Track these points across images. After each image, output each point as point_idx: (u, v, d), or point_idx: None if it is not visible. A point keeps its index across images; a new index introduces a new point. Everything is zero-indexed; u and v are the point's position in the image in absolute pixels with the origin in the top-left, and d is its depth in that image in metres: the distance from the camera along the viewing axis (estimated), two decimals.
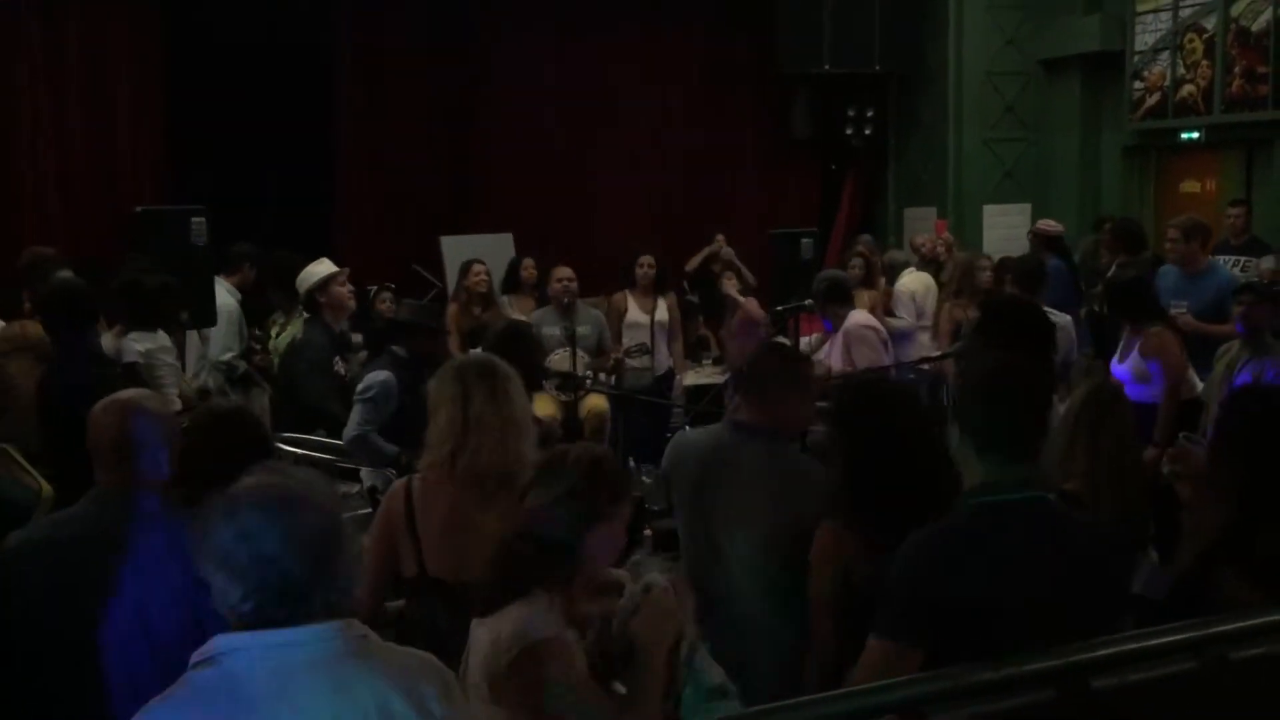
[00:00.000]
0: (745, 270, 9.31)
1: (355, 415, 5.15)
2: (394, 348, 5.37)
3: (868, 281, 8.34)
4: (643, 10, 10.62)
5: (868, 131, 11.39)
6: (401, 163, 10.21)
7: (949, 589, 2.33)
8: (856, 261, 8.43)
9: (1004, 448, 2.44)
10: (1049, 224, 8.98)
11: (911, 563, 2.40)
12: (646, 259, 8.08)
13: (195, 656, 1.81)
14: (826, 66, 10.73)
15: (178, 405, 5.51)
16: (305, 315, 6.62)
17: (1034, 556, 2.37)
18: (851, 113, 11.29)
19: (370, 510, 5.09)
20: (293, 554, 1.78)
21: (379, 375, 5.17)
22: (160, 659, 2.49)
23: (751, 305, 7.48)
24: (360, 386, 5.24)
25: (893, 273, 8.81)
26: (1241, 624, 2.22)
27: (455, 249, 9.35)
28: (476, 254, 8.27)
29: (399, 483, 3.28)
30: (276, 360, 6.96)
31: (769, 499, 3.20)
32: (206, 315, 6.82)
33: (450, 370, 3.27)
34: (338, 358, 6.24)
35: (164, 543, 2.65)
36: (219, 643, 1.80)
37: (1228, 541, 2.65)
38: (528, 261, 8.14)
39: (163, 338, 5.59)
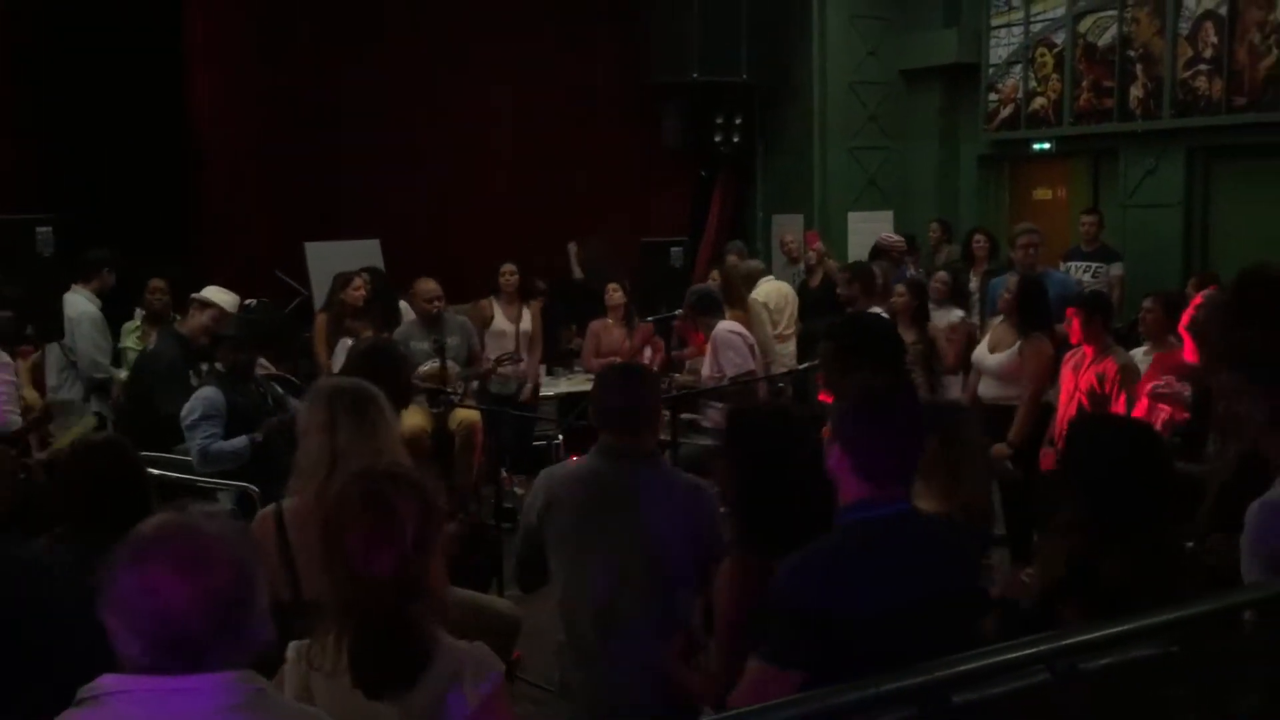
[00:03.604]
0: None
1: (193, 439, 5.30)
2: (216, 364, 5.57)
3: (729, 296, 8.37)
4: (513, 17, 10.53)
5: (736, 140, 11.54)
6: (263, 167, 9.93)
7: (825, 608, 2.36)
8: (714, 274, 8.45)
9: (882, 466, 2.49)
10: (890, 237, 9.24)
11: (788, 584, 2.41)
12: (509, 267, 8.06)
13: (81, 692, 1.73)
14: (695, 76, 10.82)
15: (18, 423, 5.33)
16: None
17: (907, 570, 2.42)
18: (720, 121, 11.42)
19: None
20: (199, 613, 1.70)
21: (201, 393, 5.36)
22: None
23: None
24: (184, 413, 5.36)
25: (749, 283, 8.91)
26: (1090, 635, 2.30)
27: (320, 255, 9.16)
28: (342, 260, 8.12)
29: (266, 511, 3.23)
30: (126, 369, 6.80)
31: (660, 524, 3.19)
32: (53, 329, 6.55)
33: (321, 396, 3.22)
34: (191, 370, 6.08)
35: None
36: (105, 682, 1.72)
37: (1073, 573, 2.73)
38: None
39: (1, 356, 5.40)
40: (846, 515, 2.50)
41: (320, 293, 8.38)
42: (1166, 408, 4.92)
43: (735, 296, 8.16)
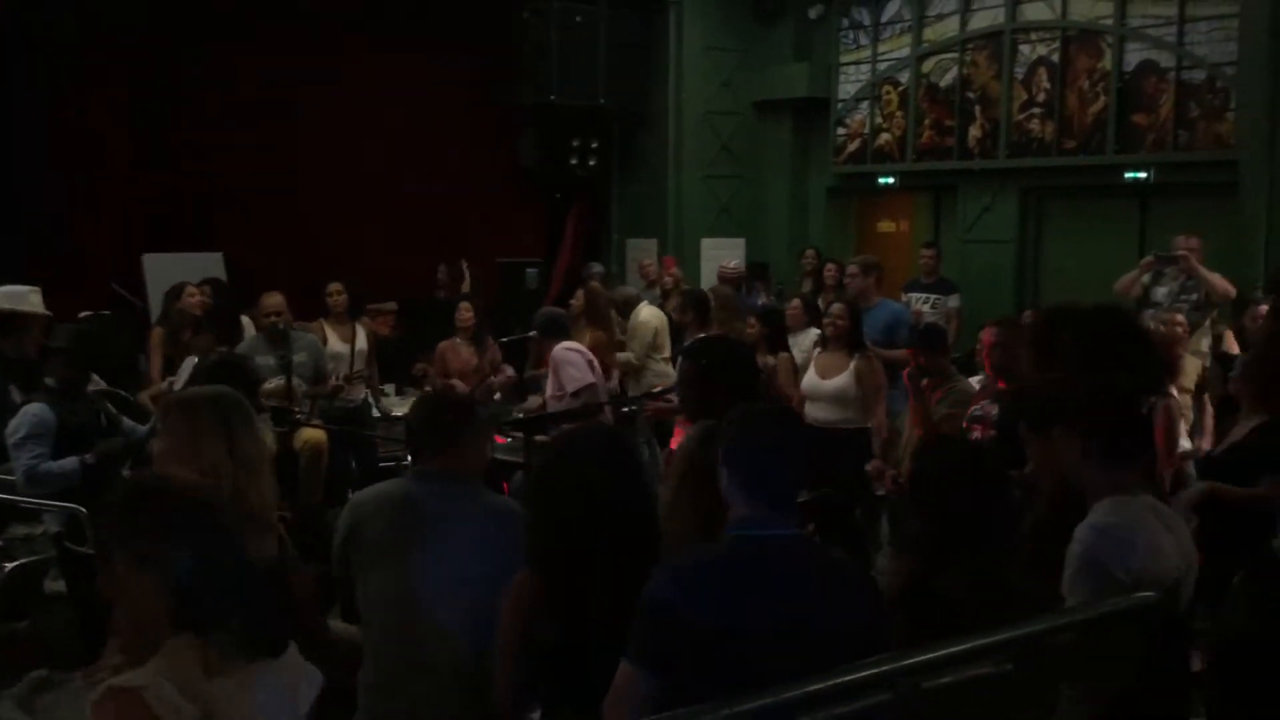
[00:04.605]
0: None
1: (19, 459, 4.99)
2: (47, 379, 5.24)
3: (592, 317, 8.39)
4: (372, 33, 10.36)
5: (592, 163, 11.60)
6: (101, 176, 9.51)
7: (697, 618, 2.36)
8: (578, 294, 8.47)
9: (768, 489, 2.53)
10: (727, 266, 9.41)
11: (660, 591, 2.41)
12: (335, 286, 7.91)
13: None
14: (553, 98, 10.84)
15: None
16: None
17: (787, 592, 2.45)
18: (577, 144, 11.46)
19: (55, 555, 4.75)
20: None
21: (29, 410, 5.06)
22: None
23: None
24: (9, 431, 5.05)
25: (626, 308, 8.96)
26: (930, 655, 2.37)
27: (159, 267, 8.82)
28: (183, 273, 7.84)
29: None
30: None
31: (470, 547, 3.14)
32: None
33: (208, 404, 3.08)
34: (13, 386, 5.73)
35: None
36: None
37: (910, 590, 2.82)
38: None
39: None
40: (732, 531, 2.53)
41: (158, 306, 8.05)
42: (979, 428, 5.14)
43: (598, 317, 8.21)
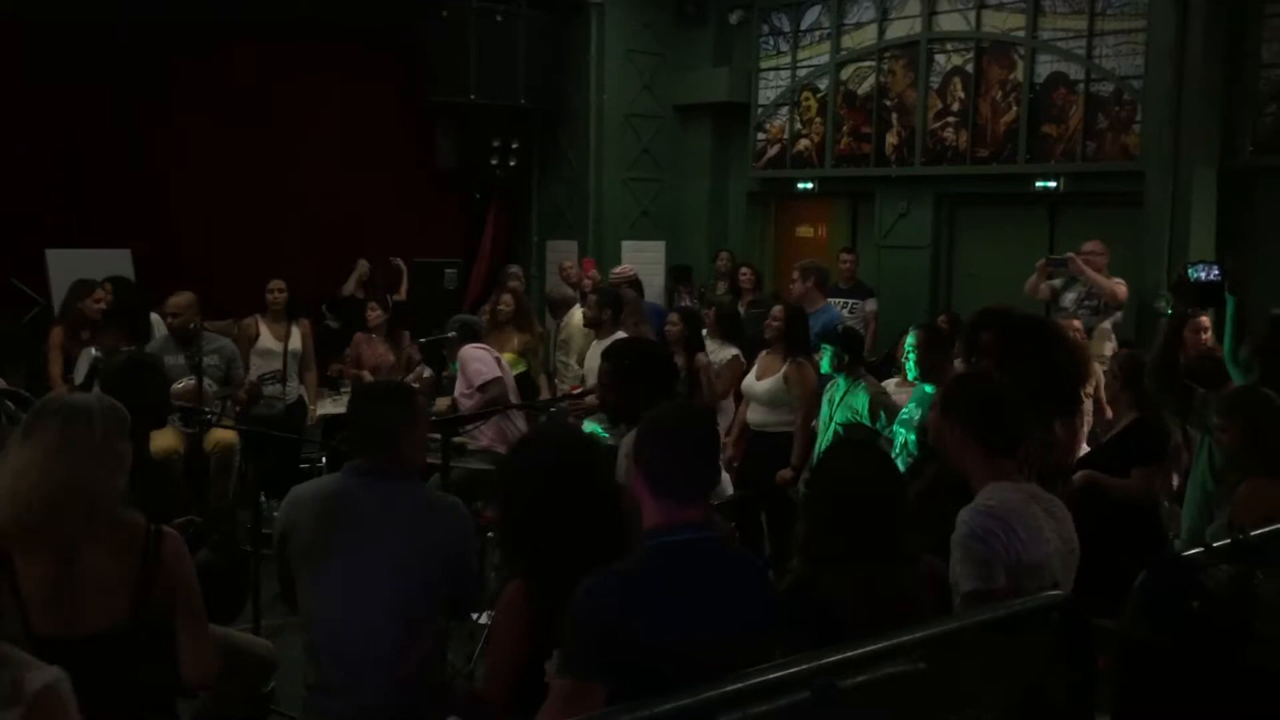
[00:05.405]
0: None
1: None
2: None
3: (519, 321, 8.34)
4: (289, 28, 10.17)
5: (512, 163, 11.53)
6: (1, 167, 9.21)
7: (626, 628, 2.41)
8: (506, 299, 8.45)
9: (677, 490, 2.57)
10: (623, 269, 9.46)
11: (587, 603, 2.45)
12: (277, 284, 7.82)
13: None
14: (472, 97, 10.76)
15: None
16: None
17: (710, 594, 2.51)
18: (496, 144, 11.39)
19: None
20: None
21: None
22: None
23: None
24: None
25: (561, 308, 8.96)
26: (846, 654, 2.39)
27: (63, 263, 8.57)
28: (88, 269, 7.64)
29: None
30: None
31: (406, 543, 3.11)
32: None
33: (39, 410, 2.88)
34: None
35: None
36: None
37: (793, 591, 2.87)
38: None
39: None
40: (650, 539, 2.57)
41: (60, 303, 7.83)
42: None
43: (525, 321, 8.24)
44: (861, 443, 4.49)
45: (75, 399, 2.92)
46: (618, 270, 9.34)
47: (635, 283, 8.94)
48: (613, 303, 7.39)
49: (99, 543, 2.78)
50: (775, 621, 2.62)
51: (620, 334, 7.01)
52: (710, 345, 7.07)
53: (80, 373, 6.39)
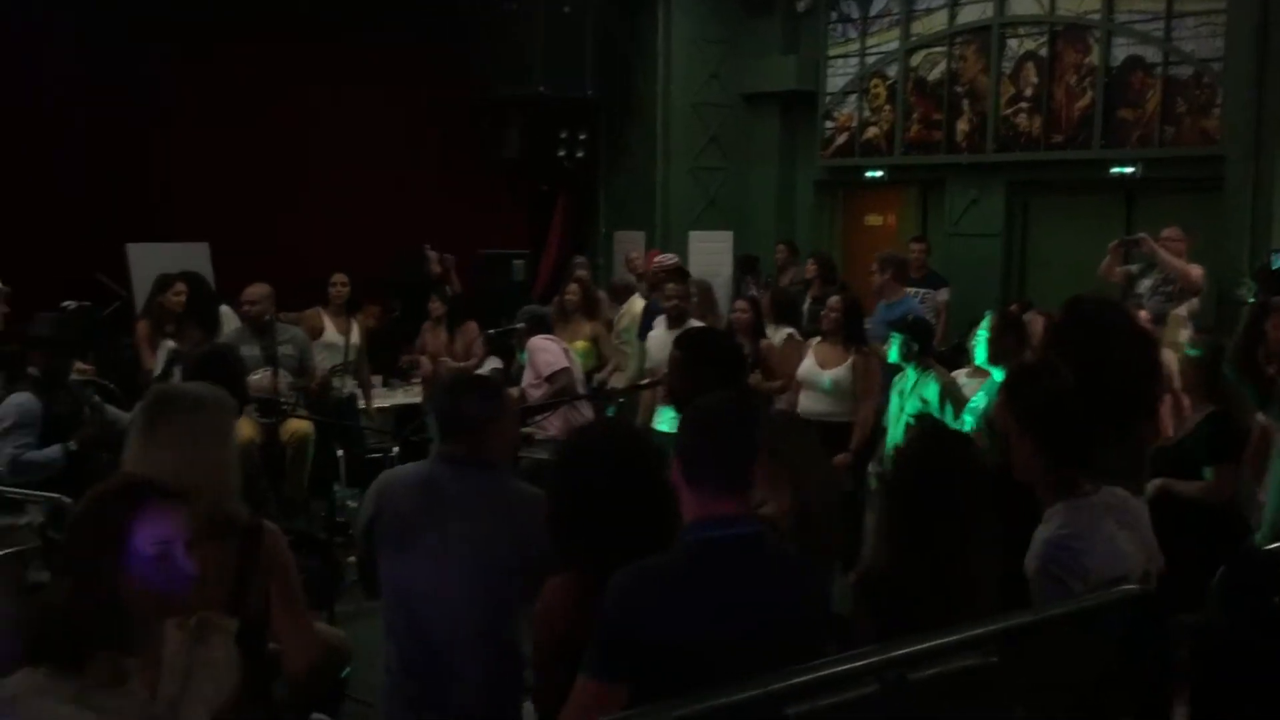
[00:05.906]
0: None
1: (4, 448, 5.06)
2: (30, 368, 5.28)
3: (587, 310, 8.37)
4: (353, 23, 10.29)
5: (579, 155, 11.55)
6: (85, 165, 9.44)
7: (655, 627, 2.32)
8: (573, 288, 8.48)
9: (712, 480, 2.47)
10: (664, 257, 9.41)
11: (617, 601, 2.37)
12: (340, 277, 7.91)
13: None
14: (540, 89, 10.81)
15: None
16: None
17: (744, 593, 2.40)
18: (564, 135, 11.42)
19: (40, 545, 4.73)
20: None
21: (14, 400, 5.11)
22: None
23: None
24: None
25: (623, 295, 8.98)
26: (917, 647, 2.36)
27: (144, 257, 8.77)
28: (167, 263, 7.81)
29: None
30: None
31: (492, 531, 3.13)
32: None
33: (145, 404, 2.99)
34: None
35: None
36: None
37: (870, 581, 2.81)
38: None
39: None
40: (686, 535, 2.47)
41: (142, 297, 8.02)
42: None
43: (593, 310, 8.28)
44: (947, 431, 4.42)
45: (191, 391, 3.01)
46: (659, 258, 9.30)
47: (680, 271, 8.92)
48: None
49: (205, 534, 2.82)
50: (814, 620, 2.51)
51: (694, 322, 6.98)
52: (768, 330, 7.08)
53: (159, 366, 6.54)
